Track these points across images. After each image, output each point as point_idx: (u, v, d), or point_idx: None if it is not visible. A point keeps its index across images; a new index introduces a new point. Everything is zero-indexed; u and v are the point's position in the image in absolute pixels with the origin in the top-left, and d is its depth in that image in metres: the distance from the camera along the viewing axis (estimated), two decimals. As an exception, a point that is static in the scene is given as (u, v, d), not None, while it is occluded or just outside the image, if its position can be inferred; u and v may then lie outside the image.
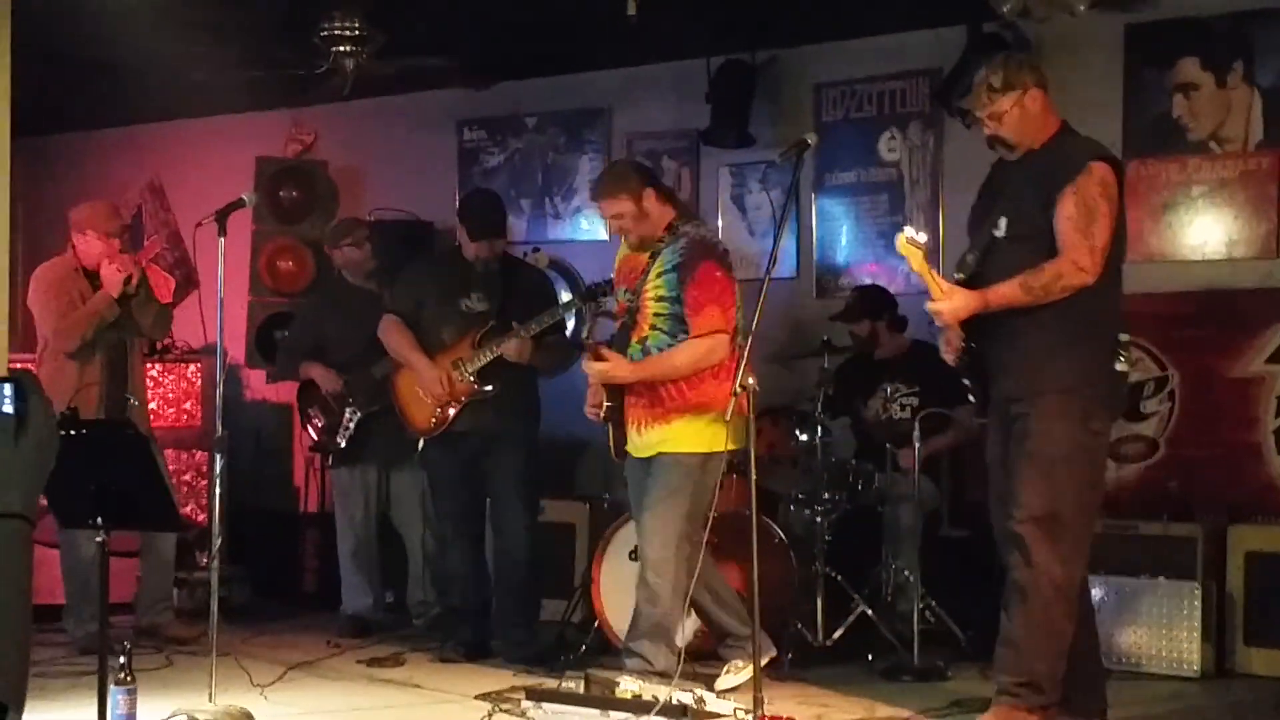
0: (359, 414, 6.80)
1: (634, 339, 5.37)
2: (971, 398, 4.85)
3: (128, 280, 6.24)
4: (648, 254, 5.38)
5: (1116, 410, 4.89)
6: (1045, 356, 4.60)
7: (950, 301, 4.63)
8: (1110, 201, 4.58)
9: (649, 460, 5.34)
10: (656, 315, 5.32)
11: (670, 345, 5.29)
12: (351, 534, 6.95)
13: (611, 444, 5.48)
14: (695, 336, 5.23)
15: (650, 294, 5.33)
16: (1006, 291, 4.59)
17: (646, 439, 5.33)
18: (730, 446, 5.12)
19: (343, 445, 6.89)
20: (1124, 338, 4.66)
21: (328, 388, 6.91)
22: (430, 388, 6.06)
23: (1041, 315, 4.58)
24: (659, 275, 5.32)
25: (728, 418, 4.70)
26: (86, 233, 6.39)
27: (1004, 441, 4.75)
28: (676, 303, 5.27)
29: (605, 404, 5.38)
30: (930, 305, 4.68)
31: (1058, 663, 4.64)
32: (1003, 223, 4.70)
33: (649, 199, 5.37)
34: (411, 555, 6.75)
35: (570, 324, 6.68)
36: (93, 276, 6.37)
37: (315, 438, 7.13)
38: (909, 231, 4.63)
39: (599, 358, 5.35)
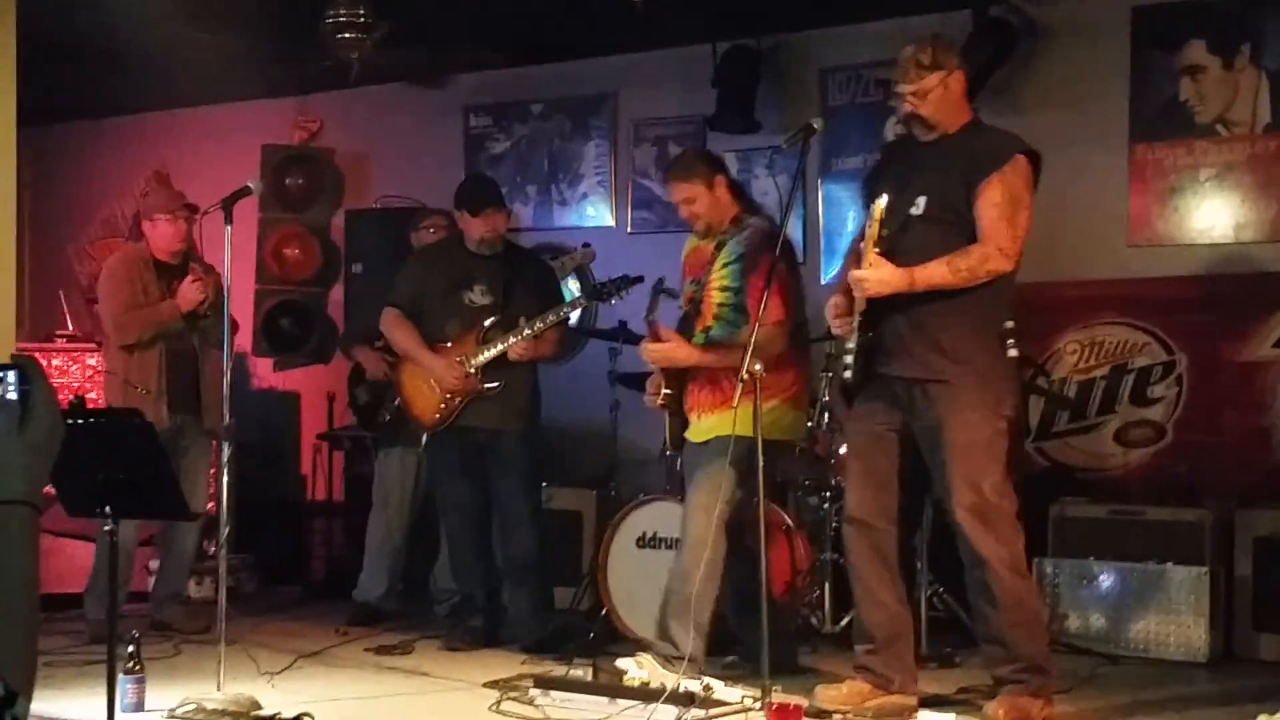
0: (399, 399, 6.84)
1: (697, 328, 5.34)
2: (848, 374, 4.80)
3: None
4: (714, 245, 5.37)
5: (1018, 395, 4.94)
6: (955, 343, 4.61)
7: (877, 273, 4.61)
8: (1030, 194, 4.64)
9: (704, 444, 5.28)
10: (720, 305, 5.29)
11: (732, 336, 5.24)
12: (383, 519, 6.94)
13: (668, 434, 5.43)
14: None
15: (715, 284, 5.31)
16: (934, 271, 4.58)
17: (704, 424, 5.28)
18: (782, 437, 5.14)
19: (381, 422, 6.97)
20: (1009, 325, 4.67)
21: (372, 370, 7.00)
22: (445, 380, 6.04)
23: (948, 301, 4.59)
24: (724, 266, 5.30)
25: (735, 404, 4.71)
26: (155, 218, 6.48)
27: (887, 421, 4.75)
28: (740, 293, 5.24)
29: (664, 392, 5.33)
30: (854, 274, 4.67)
31: (1044, 639, 4.74)
32: (921, 201, 4.70)
33: (720, 186, 5.38)
34: (442, 542, 6.75)
35: (573, 317, 6.67)
36: (162, 268, 6.43)
37: (358, 414, 7.35)
38: (883, 200, 4.63)
39: (658, 338, 5.32)
